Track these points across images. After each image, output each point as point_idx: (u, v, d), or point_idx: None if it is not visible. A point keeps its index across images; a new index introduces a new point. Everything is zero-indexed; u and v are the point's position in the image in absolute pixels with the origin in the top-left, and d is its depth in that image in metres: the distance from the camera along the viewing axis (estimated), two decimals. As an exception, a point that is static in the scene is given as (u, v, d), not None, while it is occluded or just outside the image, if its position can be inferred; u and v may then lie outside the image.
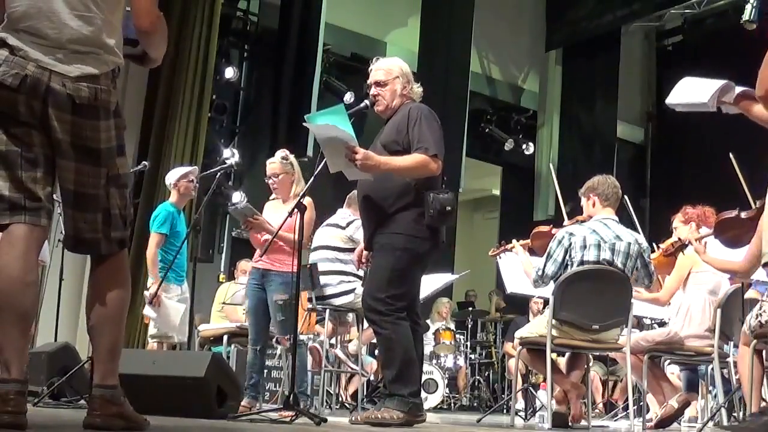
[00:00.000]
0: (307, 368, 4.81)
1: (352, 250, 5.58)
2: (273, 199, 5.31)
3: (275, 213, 5.08)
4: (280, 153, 5.21)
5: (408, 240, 3.83)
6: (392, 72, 4.10)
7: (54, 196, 2.47)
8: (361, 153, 3.75)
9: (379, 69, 4.12)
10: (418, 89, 4.15)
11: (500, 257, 5.49)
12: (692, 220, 5.15)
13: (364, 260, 4.19)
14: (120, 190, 2.46)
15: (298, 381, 4.79)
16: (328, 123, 3.79)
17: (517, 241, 5.27)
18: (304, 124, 3.87)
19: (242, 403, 4.73)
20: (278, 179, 5.11)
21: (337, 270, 5.51)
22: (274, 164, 5.16)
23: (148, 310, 5.72)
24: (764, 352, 4.08)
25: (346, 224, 5.62)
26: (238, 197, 6.04)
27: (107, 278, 2.49)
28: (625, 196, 5.24)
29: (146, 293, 5.69)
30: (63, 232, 2.61)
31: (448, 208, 3.82)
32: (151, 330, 5.89)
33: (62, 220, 2.66)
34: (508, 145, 11.94)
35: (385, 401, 3.79)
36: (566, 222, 5.16)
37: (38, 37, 2.35)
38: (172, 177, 5.98)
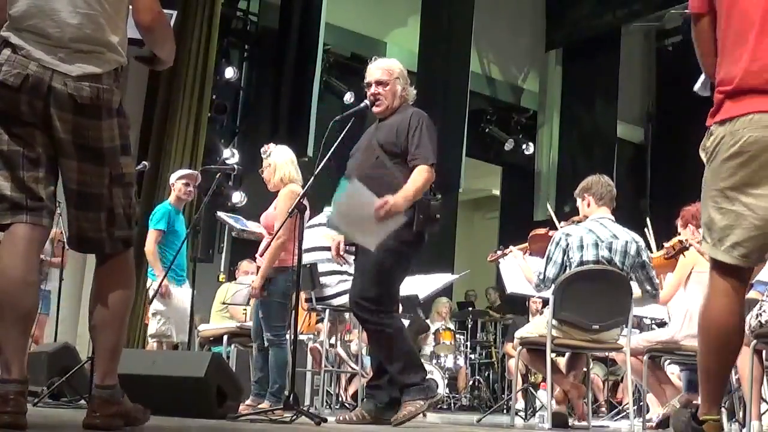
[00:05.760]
0: (287, 367, 4.80)
1: (351, 252, 5.60)
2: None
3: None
4: (263, 149, 5.27)
5: (395, 242, 3.86)
6: (393, 72, 4.11)
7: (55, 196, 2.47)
8: (388, 203, 3.76)
9: (378, 68, 4.13)
10: (413, 91, 4.20)
11: (500, 261, 5.51)
12: (688, 220, 5.15)
13: (342, 252, 4.27)
14: (124, 189, 2.46)
15: (271, 379, 4.80)
16: (349, 192, 3.79)
17: (515, 246, 5.28)
18: (327, 227, 3.94)
19: (247, 402, 4.73)
20: (264, 174, 5.16)
21: (337, 270, 5.51)
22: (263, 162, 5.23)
23: (156, 304, 5.70)
24: (764, 352, 4.08)
25: None
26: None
27: (111, 277, 2.50)
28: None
29: (151, 287, 5.69)
30: (63, 231, 2.61)
31: (438, 215, 3.94)
32: (151, 329, 5.86)
33: (63, 219, 2.66)
34: (508, 145, 11.95)
35: (403, 396, 3.84)
36: (561, 223, 5.16)
37: (41, 36, 2.34)
38: (172, 177, 6.10)
